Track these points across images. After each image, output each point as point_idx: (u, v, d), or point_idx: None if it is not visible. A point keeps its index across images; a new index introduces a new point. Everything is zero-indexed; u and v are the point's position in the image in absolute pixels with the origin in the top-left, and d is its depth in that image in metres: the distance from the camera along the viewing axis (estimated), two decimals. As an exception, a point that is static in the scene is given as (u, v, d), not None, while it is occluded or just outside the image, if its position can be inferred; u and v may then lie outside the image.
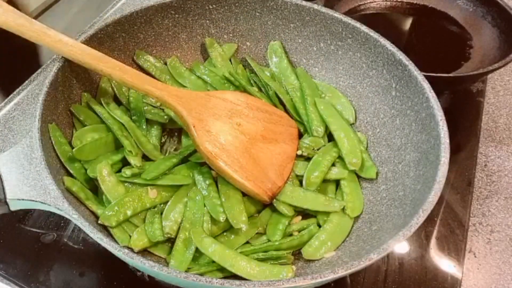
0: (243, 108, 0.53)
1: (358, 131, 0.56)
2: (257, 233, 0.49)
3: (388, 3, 0.77)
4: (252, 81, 0.60)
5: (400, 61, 0.50)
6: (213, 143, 0.48)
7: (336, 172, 0.52)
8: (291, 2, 0.57)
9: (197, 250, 0.44)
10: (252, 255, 0.45)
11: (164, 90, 0.50)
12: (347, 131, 0.54)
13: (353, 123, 0.57)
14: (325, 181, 0.52)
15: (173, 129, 0.58)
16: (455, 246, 0.51)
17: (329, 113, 0.56)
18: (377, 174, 0.51)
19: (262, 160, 0.50)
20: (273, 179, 0.49)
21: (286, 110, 0.58)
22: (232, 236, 0.48)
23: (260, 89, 0.60)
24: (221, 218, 0.46)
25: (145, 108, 0.57)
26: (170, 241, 0.47)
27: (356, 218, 0.49)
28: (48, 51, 0.67)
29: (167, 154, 0.56)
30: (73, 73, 0.52)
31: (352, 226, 0.48)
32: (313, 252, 0.46)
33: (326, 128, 0.56)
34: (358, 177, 0.52)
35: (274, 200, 0.49)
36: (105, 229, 0.45)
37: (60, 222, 0.52)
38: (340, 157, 0.53)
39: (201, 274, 0.40)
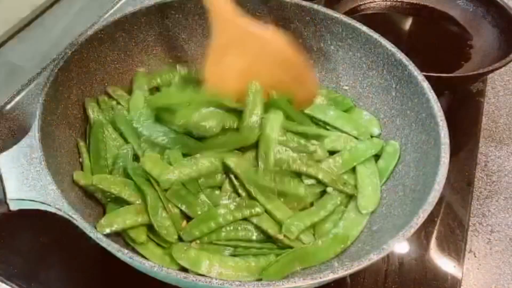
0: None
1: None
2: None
3: (388, 3, 0.77)
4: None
5: (400, 61, 0.50)
6: None
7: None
8: (291, 2, 0.57)
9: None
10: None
11: None
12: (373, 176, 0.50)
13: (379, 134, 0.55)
14: None
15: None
16: (455, 246, 0.51)
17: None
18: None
19: None
20: None
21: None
22: None
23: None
24: None
25: None
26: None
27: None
28: (47, 52, 0.67)
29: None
30: (73, 73, 0.52)
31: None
32: None
33: None
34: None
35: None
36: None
37: (60, 222, 0.51)
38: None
39: (201, 274, 0.40)
